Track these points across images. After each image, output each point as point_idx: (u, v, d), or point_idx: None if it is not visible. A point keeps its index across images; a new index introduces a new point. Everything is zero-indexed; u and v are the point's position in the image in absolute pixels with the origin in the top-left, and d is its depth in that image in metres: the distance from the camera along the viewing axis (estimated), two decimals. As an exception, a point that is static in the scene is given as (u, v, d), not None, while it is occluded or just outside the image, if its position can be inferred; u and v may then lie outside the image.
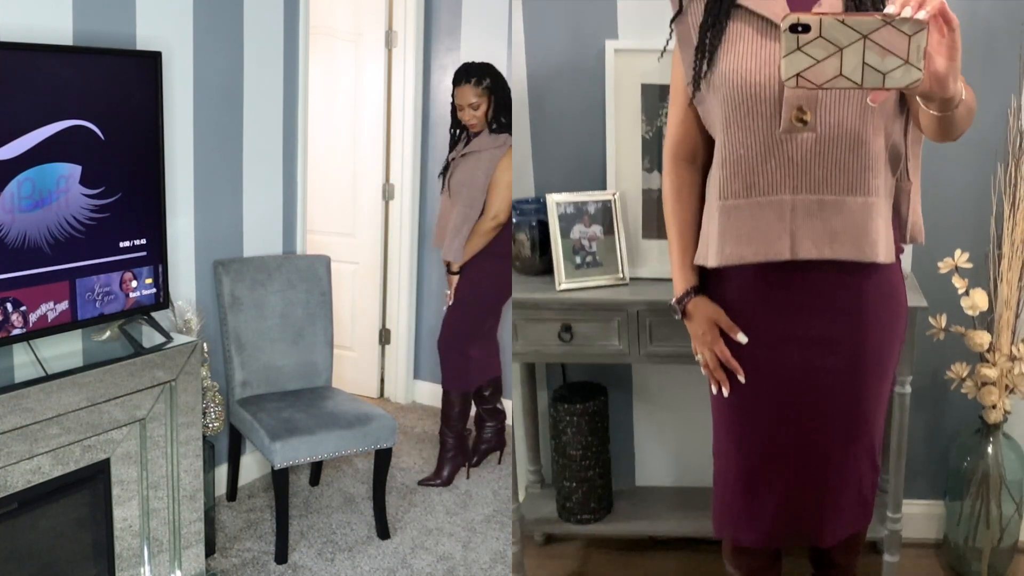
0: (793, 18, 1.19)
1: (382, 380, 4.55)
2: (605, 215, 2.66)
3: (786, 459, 1.87)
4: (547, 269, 2.72)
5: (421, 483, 3.57)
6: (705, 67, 1.77)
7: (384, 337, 4.48)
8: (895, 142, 1.75)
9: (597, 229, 2.64)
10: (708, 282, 1.91)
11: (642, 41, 2.61)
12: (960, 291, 2.62)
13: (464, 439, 3.65)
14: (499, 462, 3.79)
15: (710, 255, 1.82)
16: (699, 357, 1.93)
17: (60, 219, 2.30)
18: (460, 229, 3.37)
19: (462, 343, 3.53)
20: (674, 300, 1.95)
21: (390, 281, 4.40)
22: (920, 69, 1.19)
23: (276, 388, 3.27)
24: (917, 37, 1.18)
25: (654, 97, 2.61)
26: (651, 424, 3.06)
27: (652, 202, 2.65)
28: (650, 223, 2.66)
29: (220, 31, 3.09)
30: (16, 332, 2.24)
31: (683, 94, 1.88)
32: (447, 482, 3.57)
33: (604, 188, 2.74)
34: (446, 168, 3.51)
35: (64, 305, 2.35)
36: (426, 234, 4.35)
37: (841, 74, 1.20)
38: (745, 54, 1.71)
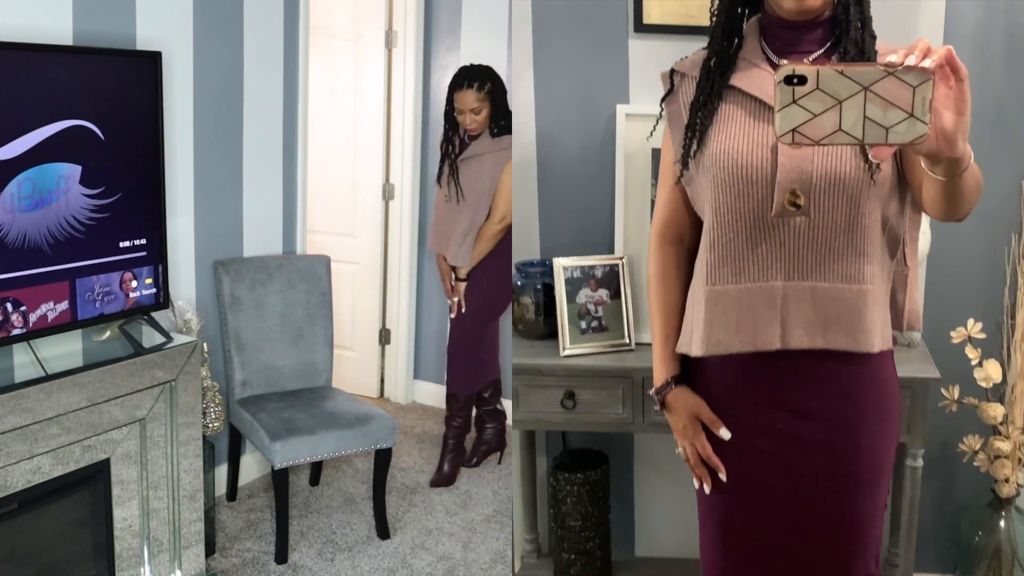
0: (788, 69, 1.12)
1: (382, 380, 4.55)
2: (612, 279, 2.62)
3: (775, 564, 1.74)
4: (551, 333, 2.66)
5: (433, 485, 3.56)
6: (695, 146, 1.71)
7: (384, 337, 4.48)
8: (892, 225, 1.68)
9: (604, 293, 2.61)
10: (690, 369, 1.82)
11: (653, 106, 2.57)
12: (973, 362, 2.56)
13: (463, 438, 3.66)
14: (499, 462, 3.79)
15: (695, 343, 1.73)
16: (679, 450, 1.84)
17: (60, 219, 2.30)
18: (468, 234, 3.37)
19: (471, 348, 3.54)
20: (653, 391, 1.87)
21: (390, 281, 4.40)
22: (926, 123, 1.10)
23: (276, 388, 3.27)
24: (922, 88, 1.09)
25: None
26: (652, 492, 2.99)
27: None
28: None
29: (220, 31, 3.09)
30: (16, 332, 2.23)
31: (671, 174, 1.82)
32: (452, 480, 3.58)
33: (611, 251, 2.71)
34: (447, 171, 3.47)
35: (64, 305, 2.35)
36: (426, 234, 4.34)
37: (840, 129, 1.12)
38: (736, 135, 1.65)
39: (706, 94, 1.71)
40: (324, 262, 3.40)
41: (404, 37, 4.16)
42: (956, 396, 2.62)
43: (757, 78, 1.67)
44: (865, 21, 1.64)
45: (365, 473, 3.61)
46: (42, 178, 2.24)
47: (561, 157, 2.76)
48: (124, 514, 2.45)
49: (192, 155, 3.03)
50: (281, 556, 2.94)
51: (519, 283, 2.72)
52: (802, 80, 1.11)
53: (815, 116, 1.12)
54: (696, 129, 1.71)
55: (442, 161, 3.51)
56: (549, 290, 2.66)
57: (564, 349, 2.55)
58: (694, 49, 1.84)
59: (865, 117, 1.11)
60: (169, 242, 2.81)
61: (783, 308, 1.64)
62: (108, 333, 2.57)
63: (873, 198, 1.61)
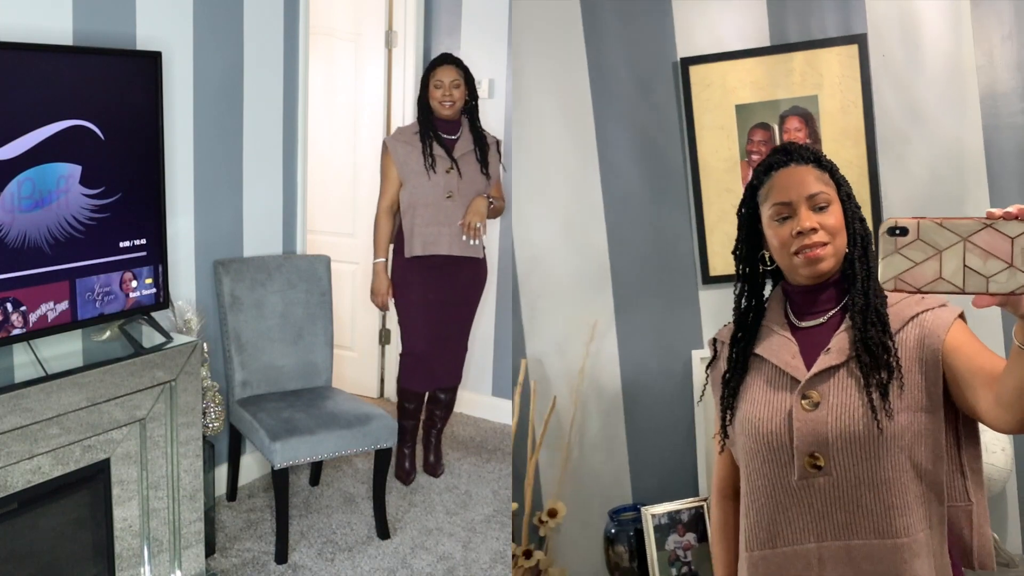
0: (891, 221, 1.19)
1: (382, 380, 4.54)
2: (698, 522, 2.67)
3: None
4: None
5: (427, 472, 3.63)
6: (728, 414, 1.79)
7: (384, 337, 4.48)
8: (929, 470, 1.66)
9: (691, 537, 2.66)
10: None
11: None
12: None
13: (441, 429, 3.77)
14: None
15: None
16: None
17: (60, 219, 2.30)
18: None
19: (466, 341, 3.59)
20: None
21: (390, 281, 4.40)
22: None
23: (276, 388, 3.27)
24: (1021, 239, 1.15)
25: None
26: None
27: None
28: None
29: (220, 31, 3.09)
30: (16, 332, 2.23)
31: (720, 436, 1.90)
32: (440, 471, 3.67)
33: (697, 492, 2.78)
34: (454, 169, 3.31)
35: (64, 305, 2.35)
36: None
37: (941, 277, 1.18)
38: (758, 403, 1.71)
39: (734, 361, 1.79)
40: (324, 262, 3.40)
41: (404, 37, 4.16)
42: None
43: (776, 344, 1.74)
44: (871, 271, 1.69)
45: (365, 473, 3.61)
46: (42, 178, 2.24)
47: (644, 405, 2.89)
48: (124, 514, 2.45)
49: (192, 155, 3.03)
50: (281, 556, 2.94)
51: (612, 531, 2.77)
52: (904, 231, 1.18)
53: (916, 264, 1.19)
54: (727, 399, 1.79)
55: (435, 160, 3.30)
56: (641, 535, 2.72)
57: None
58: None
59: (965, 267, 1.17)
60: (169, 242, 2.81)
61: (820, 570, 1.65)
62: (108, 333, 2.57)
63: (893, 450, 1.61)
